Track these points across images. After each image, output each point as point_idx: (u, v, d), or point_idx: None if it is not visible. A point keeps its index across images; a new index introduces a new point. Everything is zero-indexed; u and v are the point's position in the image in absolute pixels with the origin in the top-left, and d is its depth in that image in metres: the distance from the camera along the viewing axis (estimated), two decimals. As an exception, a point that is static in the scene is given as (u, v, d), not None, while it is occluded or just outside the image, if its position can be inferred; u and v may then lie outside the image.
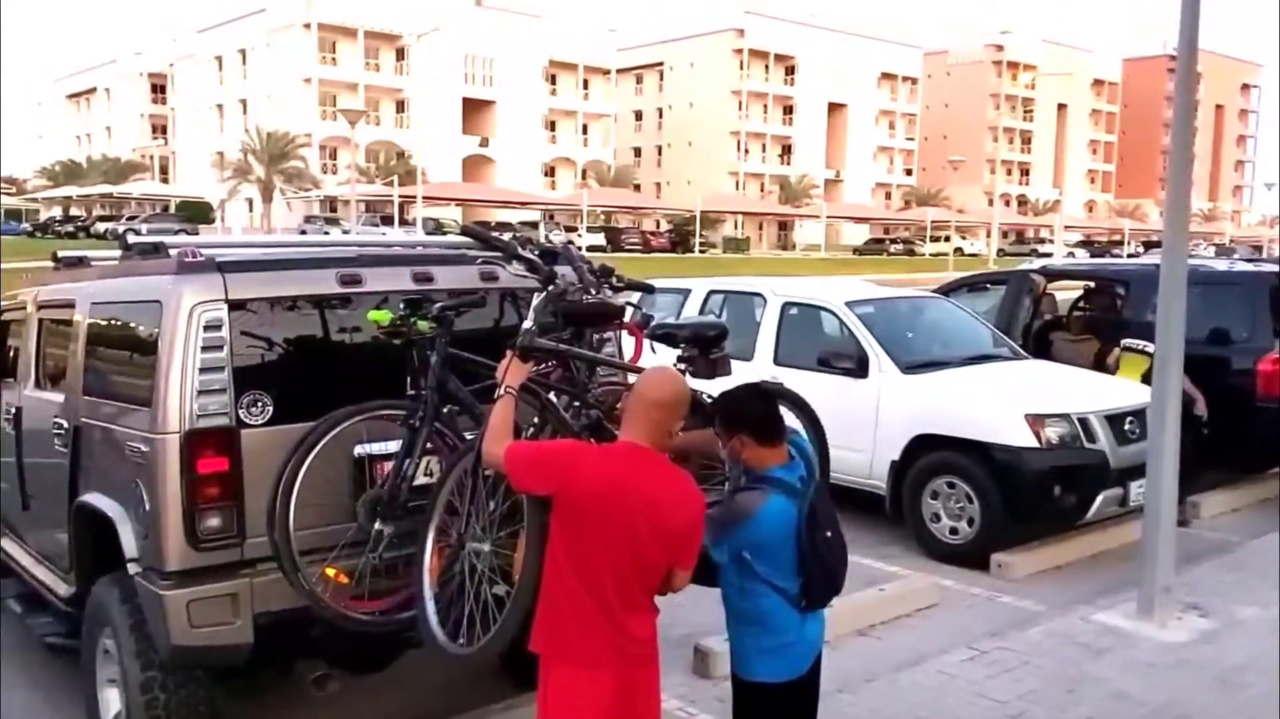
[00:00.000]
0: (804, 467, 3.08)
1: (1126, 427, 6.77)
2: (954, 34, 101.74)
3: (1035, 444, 6.55)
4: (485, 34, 66.02)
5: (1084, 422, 6.69)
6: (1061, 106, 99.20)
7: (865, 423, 7.25)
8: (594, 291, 3.53)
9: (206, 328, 3.56)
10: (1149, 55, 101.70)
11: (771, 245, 76.81)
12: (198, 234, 34.65)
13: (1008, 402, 6.86)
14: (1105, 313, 9.92)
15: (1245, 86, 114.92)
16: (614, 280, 3.75)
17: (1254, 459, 9.12)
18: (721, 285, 9.16)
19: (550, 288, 3.35)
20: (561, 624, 2.84)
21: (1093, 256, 44.97)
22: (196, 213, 53.58)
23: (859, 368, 7.38)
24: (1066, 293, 11.44)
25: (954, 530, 6.84)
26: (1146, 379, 7.14)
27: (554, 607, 2.85)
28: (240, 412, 3.59)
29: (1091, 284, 10.81)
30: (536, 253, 3.52)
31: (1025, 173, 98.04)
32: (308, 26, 62.15)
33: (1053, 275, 10.46)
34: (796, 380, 7.09)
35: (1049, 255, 52.09)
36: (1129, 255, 49.20)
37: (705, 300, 8.86)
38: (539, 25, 68.10)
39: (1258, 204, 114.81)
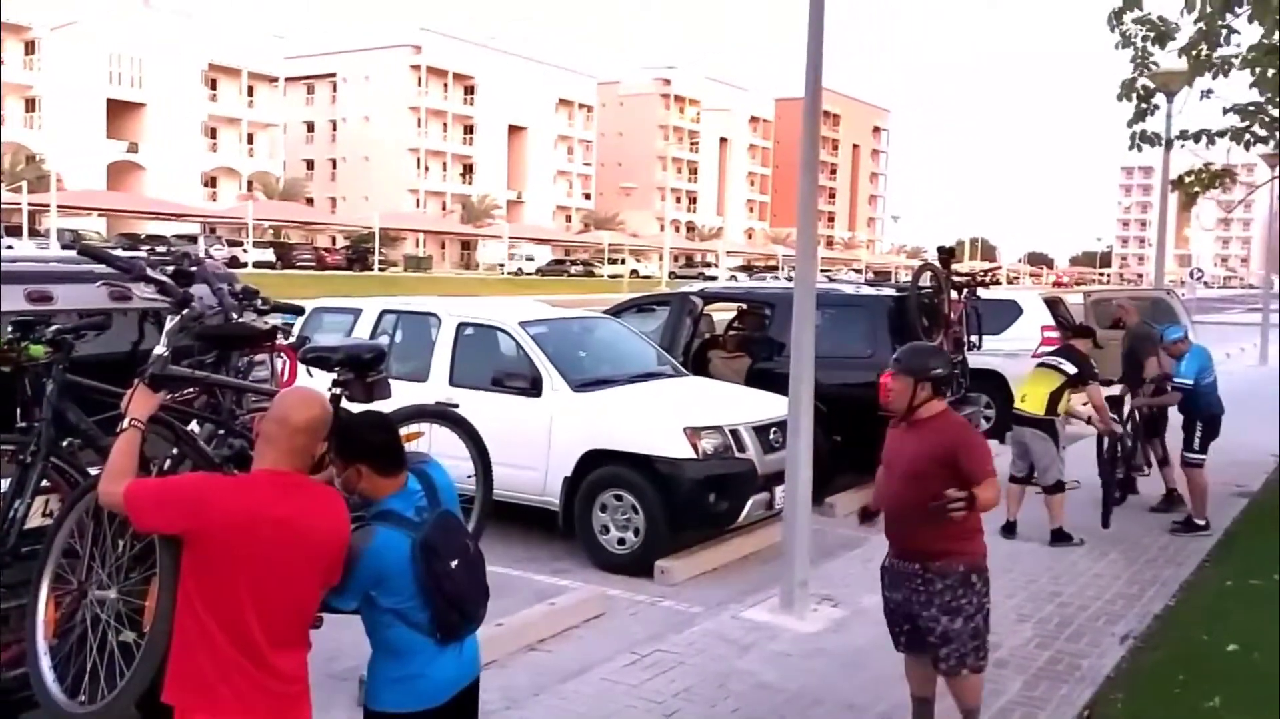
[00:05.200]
0: (424, 496, 2.97)
1: (771, 436, 7.39)
2: (625, 66, 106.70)
3: (693, 455, 6.98)
4: (134, 31, 60.48)
5: (735, 433, 7.23)
6: (723, 140, 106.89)
7: (539, 441, 7.40)
8: (235, 314, 3.34)
9: None
10: (797, 96, 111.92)
11: (454, 264, 76.40)
12: None
13: (668, 416, 7.27)
14: (755, 332, 10.82)
15: (876, 129, 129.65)
16: (259, 302, 3.58)
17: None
18: (394, 305, 8.96)
19: (185, 311, 3.14)
20: (198, 672, 2.65)
21: (753, 280, 48.77)
22: None
23: (532, 387, 7.52)
24: (722, 314, 12.36)
25: (622, 541, 7.13)
26: (1056, 395, 7.74)
27: (189, 653, 2.66)
28: None
29: (744, 306, 11.76)
30: (170, 272, 3.27)
31: (693, 201, 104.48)
32: (-90, 10, 53.99)
33: (710, 298, 11.24)
34: (472, 401, 7.15)
35: (715, 279, 55.90)
36: (785, 279, 53.86)
37: (377, 321, 8.63)
38: (196, 25, 63.39)
39: (888, 234, 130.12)
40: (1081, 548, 7.57)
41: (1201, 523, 8.11)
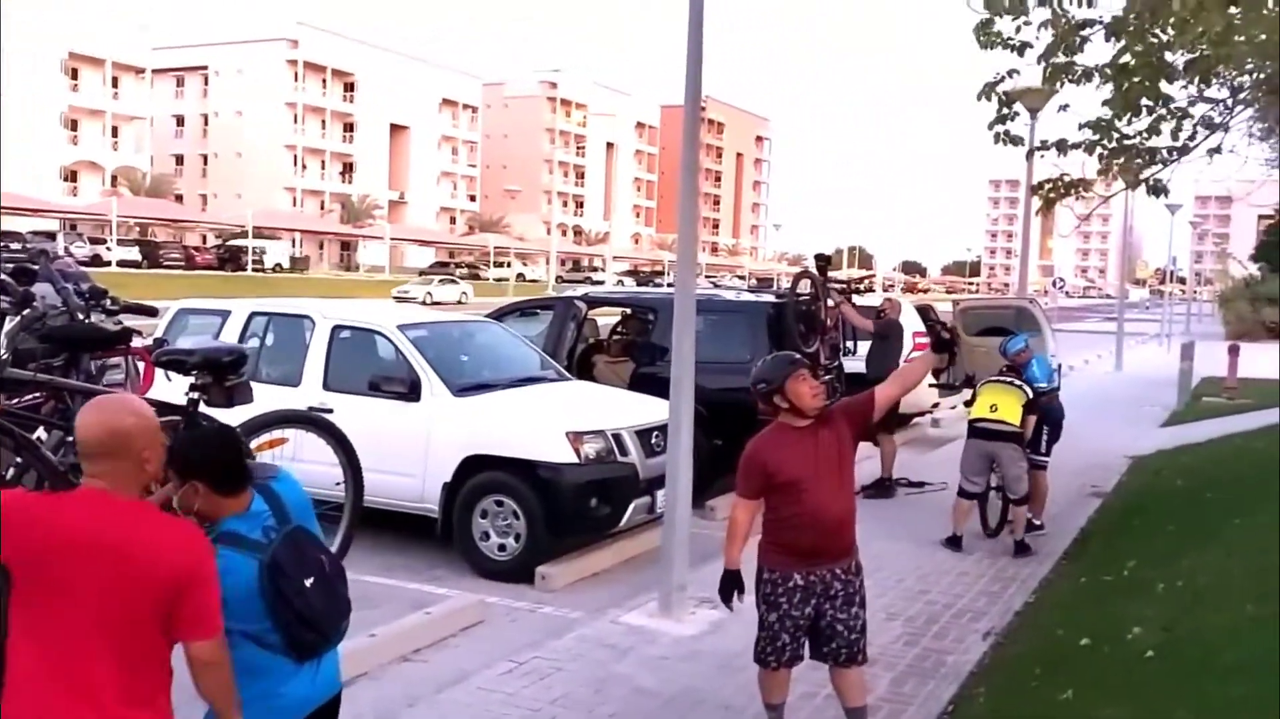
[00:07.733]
0: (272, 515, 2.81)
1: (653, 440, 7.41)
2: (510, 67, 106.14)
3: (575, 460, 6.95)
4: (-15, 15, 57.03)
5: (617, 437, 7.23)
6: (610, 145, 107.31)
7: (417, 446, 7.26)
8: (82, 314, 3.16)
9: None
10: (682, 103, 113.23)
11: (333, 265, 74.52)
12: None
13: (550, 421, 7.22)
14: (639, 336, 10.86)
15: (759, 138, 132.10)
16: (108, 302, 3.39)
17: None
18: (266, 307, 8.64)
19: (25, 311, 2.95)
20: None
21: (639, 285, 49.17)
22: None
23: (411, 391, 7.37)
24: (607, 318, 12.38)
25: (502, 547, 7.05)
26: (1025, 409, 7.81)
27: (17, 705, 2.34)
28: None
29: (628, 311, 11.80)
30: (10, 270, 3.07)
31: (580, 204, 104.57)
32: None
33: (594, 303, 11.25)
34: (347, 405, 6.98)
35: (603, 283, 56.11)
36: (668, 285, 54.42)
37: (247, 323, 8.31)
38: (55, 12, 60.12)
39: (770, 242, 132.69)
40: (943, 548, 7.81)
41: (1039, 523, 8.31)
